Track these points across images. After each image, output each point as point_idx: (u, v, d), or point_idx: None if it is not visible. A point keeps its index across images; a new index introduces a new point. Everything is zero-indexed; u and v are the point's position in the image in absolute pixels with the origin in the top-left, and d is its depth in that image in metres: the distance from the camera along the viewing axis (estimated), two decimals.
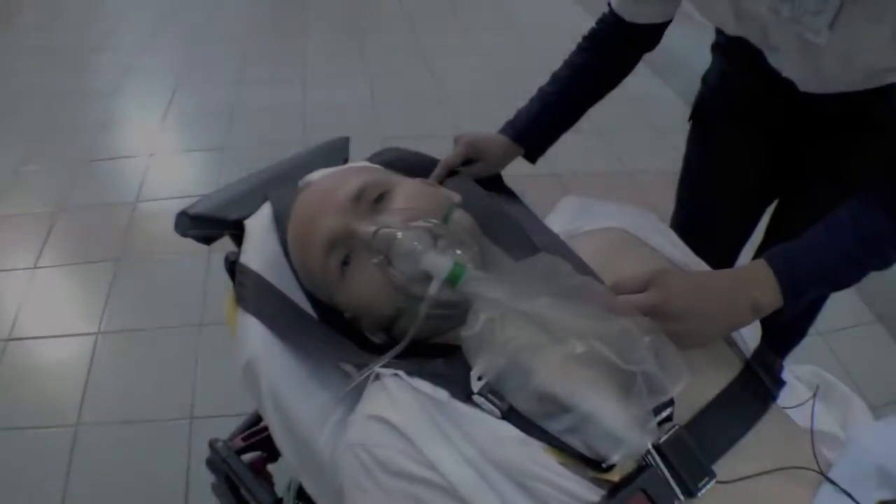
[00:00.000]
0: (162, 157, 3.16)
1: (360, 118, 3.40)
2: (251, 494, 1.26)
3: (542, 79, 1.33)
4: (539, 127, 1.30)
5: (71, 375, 2.06)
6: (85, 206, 2.82)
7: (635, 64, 1.32)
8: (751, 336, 0.95)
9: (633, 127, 3.41)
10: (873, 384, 2.02)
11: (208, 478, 1.39)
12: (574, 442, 0.72)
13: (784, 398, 0.89)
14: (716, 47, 1.35)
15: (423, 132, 3.15)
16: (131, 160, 3.13)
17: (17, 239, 2.63)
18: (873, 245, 0.90)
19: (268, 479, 1.33)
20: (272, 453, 1.36)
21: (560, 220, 1.14)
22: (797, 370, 1.03)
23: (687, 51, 4.03)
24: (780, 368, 0.94)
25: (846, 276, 0.95)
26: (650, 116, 3.49)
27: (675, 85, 3.69)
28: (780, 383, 0.90)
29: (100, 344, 2.17)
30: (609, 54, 1.28)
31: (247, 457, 1.32)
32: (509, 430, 0.74)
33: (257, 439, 1.35)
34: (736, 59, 1.27)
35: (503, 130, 1.30)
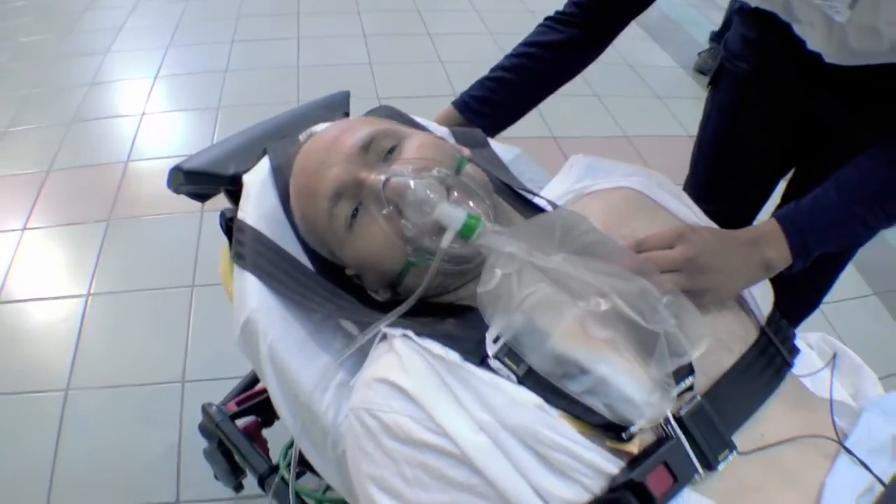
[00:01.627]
0: (153, 117, 3.11)
1: (356, 79, 3.35)
2: (245, 461, 1.23)
3: None
4: (494, 106, 1.25)
5: (61, 338, 2.03)
6: (75, 167, 2.77)
7: (611, 40, 1.25)
8: (764, 300, 0.95)
9: (630, 92, 3.36)
10: (870, 357, 1.99)
11: (201, 443, 1.37)
12: (595, 403, 0.69)
13: (797, 366, 0.89)
14: (738, 12, 1.30)
15: (421, 93, 3.12)
16: (122, 119, 3.08)
17: (6, 200, 2.58)
18: (881, 204, 0.93)
19: (262, 445, 1.30)
20: (267, 418, 1.33)
21: (567, 180, 1.09)
22: (807, 337, 1.05)
23: (684, 16, 4.04)
24: (793, 335, 0.94)
25: (854, 235, 0.99)
26: (647, 81, 3.46)
27: (672, 50, 3.66)
28: (795, 351, 0.90)
29: (90, 306, 2.14)
30: (591, 29, 1.21)
31: (241, 421, 1.30)
32: (527, 396, 0.70)
33: (252, 403, 1.33)
34: (759, 26, 1.23)
35: (456, 104, 1.26)
